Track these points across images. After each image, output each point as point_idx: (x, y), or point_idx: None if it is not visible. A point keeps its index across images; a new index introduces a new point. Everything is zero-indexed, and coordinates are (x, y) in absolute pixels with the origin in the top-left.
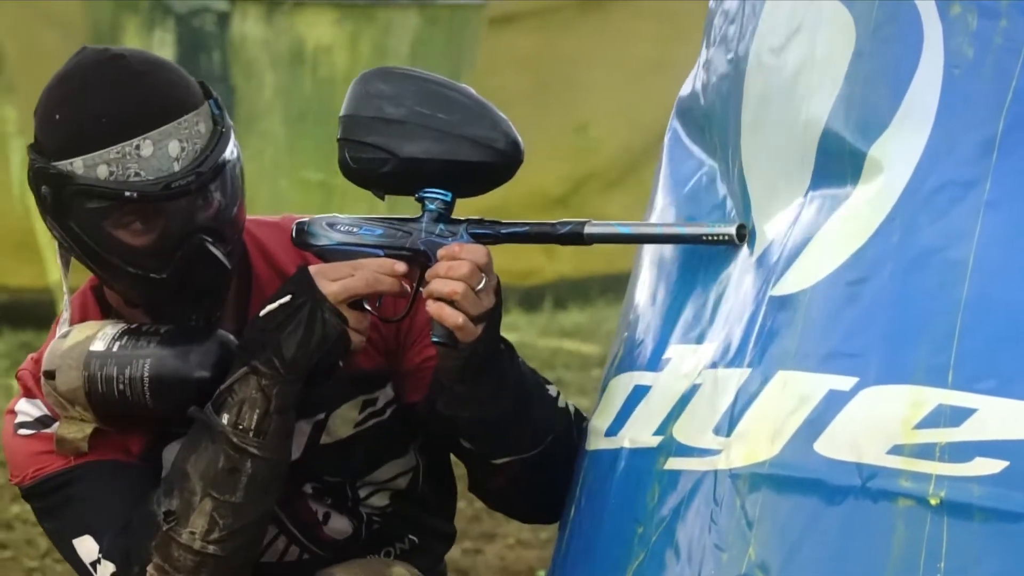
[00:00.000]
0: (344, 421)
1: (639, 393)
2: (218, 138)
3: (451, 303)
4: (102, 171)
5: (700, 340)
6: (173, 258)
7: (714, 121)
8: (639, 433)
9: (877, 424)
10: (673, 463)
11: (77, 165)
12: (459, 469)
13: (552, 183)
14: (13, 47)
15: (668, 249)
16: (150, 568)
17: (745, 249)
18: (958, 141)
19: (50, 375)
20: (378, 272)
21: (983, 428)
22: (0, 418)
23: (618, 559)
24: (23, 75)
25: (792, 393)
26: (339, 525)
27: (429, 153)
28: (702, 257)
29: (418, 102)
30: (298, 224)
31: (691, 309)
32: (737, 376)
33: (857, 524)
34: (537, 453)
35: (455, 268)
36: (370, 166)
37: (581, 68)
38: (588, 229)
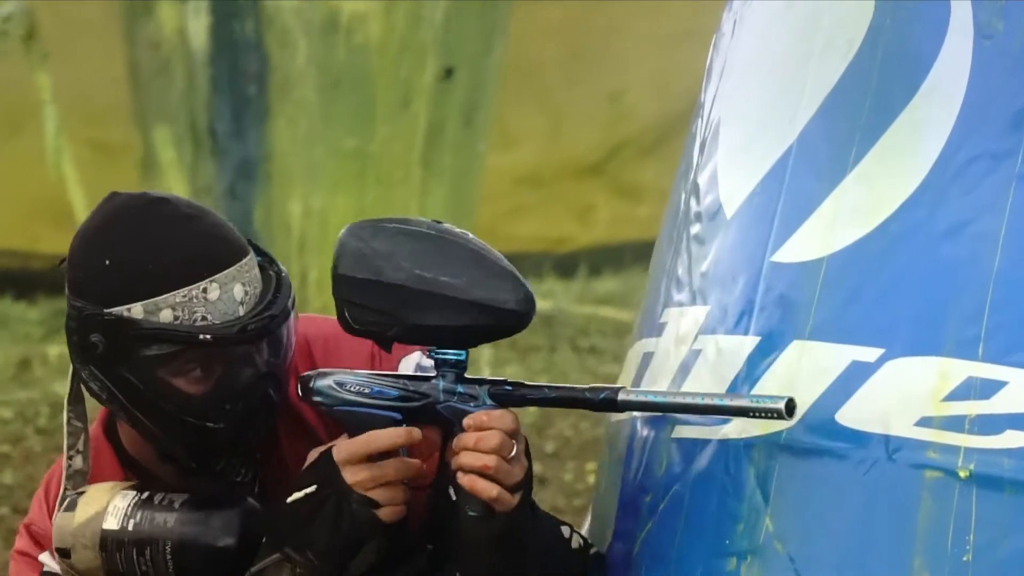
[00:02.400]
0: (365, 558)
1: (646, 360)
2: (277, 281)
3: (483, 476)
4: (166, 315)
5: (689, 302)
6: (234, 407)
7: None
8: None
9: (905, 396)
10: (681, 431)
11: (136, 310)
12: None
13: (586, 151)
14: (47, 15)
15: (667, 214)
16: None
17: (722, 209)
18: (989, 114)
19: (65, 554)
20: (396, 445)
21: (1014, 401)
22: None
23: (630, 528)
24: (57, 43)
25: (810, 363)
26: None
27: (436, 320)
28: (680, 218)
29: (417, 264)
30: (303, 380)
31: (678, 270)
32: (744, 344)
33: (882, 496)
34: None
35: (485, 440)
36: (375, 328)
37: (614, 37)
38: (622, 396)
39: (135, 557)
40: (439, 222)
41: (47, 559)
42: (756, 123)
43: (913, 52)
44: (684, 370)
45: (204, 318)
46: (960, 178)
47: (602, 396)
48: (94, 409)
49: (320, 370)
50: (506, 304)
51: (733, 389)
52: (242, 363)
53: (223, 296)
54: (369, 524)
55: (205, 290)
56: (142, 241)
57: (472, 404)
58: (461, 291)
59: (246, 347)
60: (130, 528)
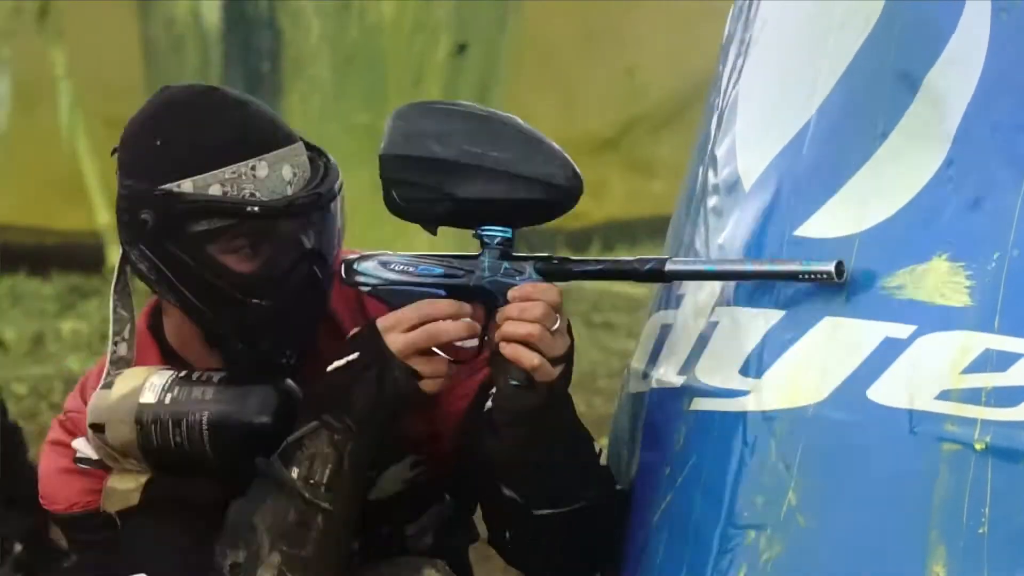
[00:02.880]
0: (394, 479)
1: (664, 332)
2: (326, 168)
3: (526, 345)
4: (215, 190)
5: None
6: (281, 285)
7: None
8: (666, 374)
9: (929, 370)
10: (698, 403)
11: (186, 186)
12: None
13: (602, 126)
14: None
15: (684, 187)
16: None
17: (740, 182)
18: (1008, 86)
19: (99, 428)
20: (444, 314)
21: None
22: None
23: (649, 500)
24: (70, 18)
25: (844, 340)
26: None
27: (486, 194)
28: (701, 190)
29: (467, 140)
30: (346, 262)
31: (694, 241)
32: (763, 316)
33: (903, 469)
34: (579, 508)
35: (529, 310)
36: (423, 206)
37: (628, 13)
38: (670, 267)
39: (171, 430)
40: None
41: (80, 444)
42: (775, 97)
43: (930, 26)
44: (703, 341)
45: (252, 194)
46: (980, 152)
47: (648, 267)
48: (139, 306)
49: (363, 252)
50: (554, 179)
51: (749, 363)
52: (289, 240)
53: (271, 175)
54: (411, 393)
55: (254, 168)
56: (193, 121)
57: (518, 279)
58: (510, 165)
59: (293, 222)
60: (167, 402)
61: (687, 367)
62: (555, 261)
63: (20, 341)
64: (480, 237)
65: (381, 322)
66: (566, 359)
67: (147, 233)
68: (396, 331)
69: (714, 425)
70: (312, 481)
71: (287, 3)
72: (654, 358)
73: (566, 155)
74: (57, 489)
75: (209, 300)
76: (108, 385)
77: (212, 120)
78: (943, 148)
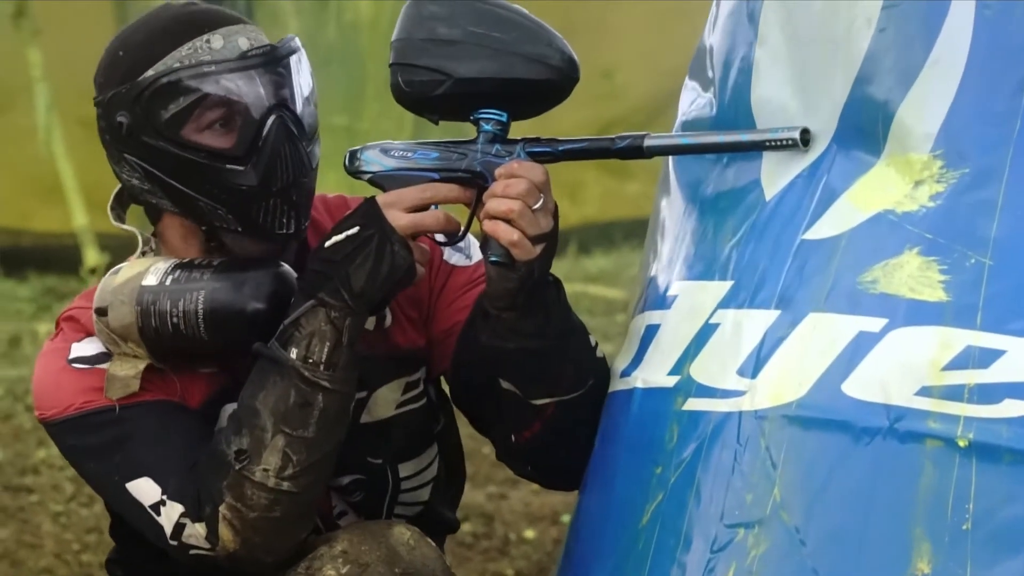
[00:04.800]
0: (385, 402)
1: (651, 332)
2: (288, 40)
3: (508, 221)
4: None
5: (709, 277)
6: (259, 147)
7: (716, 57)
8: (653, 373)
9: (906, 365)
10: (692, 404)
11: (149, 75)
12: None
13: (577, 128)
14: None
15: (678, 188)
16: (222, 508)
17: (761, 191)
18: (988, 83)
19: (102, 312)
20: (442, 197)
21: (1012, 370)
22: (31, 353)
23: (636, 500)
24: (48, 19)
25: (822, 335)
26: (353, 520)
27: (484, 72)
28: (710, 196)
29: (472, 22)
30: (351, 151)
31: (696, 245)
32: (763, 318)
33: (884, 466)
34: (577, 396)
35: (512, 186)
36: (424, 88)
37: (607, 13)
38: (648, 142)
39: (168, 309)
40: None
41: (78, 347)
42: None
43: (921, 26)
44: (699, 342)
45: (210, 65)
46: (960, 150)
47: (626, 143)
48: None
49: (367, 143)
50: (551, 60)
51: (746, 363)
52: (254, 97)
53: (227, 45)
54: (406, 270)
55: (208, 40)
56: (147, 24)
57: (508, 158)
58: (510, 45)
59: (254, 80)
60: (167, 283)
61: (679, 367)
62: (543, 140)
63: None
64: (476, 121)
65: (382, 199)
66: (548, 239)
67: (126, 135)
68: (397, 208)
69: (709, 425)
70: (311, 360)
71: (265, 3)
72: (638, 358)
73: (567, 44)
74: (52, 392)
75: (199, 184)
76: (115, 272)
77: (164, 16)
78: (926, 147)
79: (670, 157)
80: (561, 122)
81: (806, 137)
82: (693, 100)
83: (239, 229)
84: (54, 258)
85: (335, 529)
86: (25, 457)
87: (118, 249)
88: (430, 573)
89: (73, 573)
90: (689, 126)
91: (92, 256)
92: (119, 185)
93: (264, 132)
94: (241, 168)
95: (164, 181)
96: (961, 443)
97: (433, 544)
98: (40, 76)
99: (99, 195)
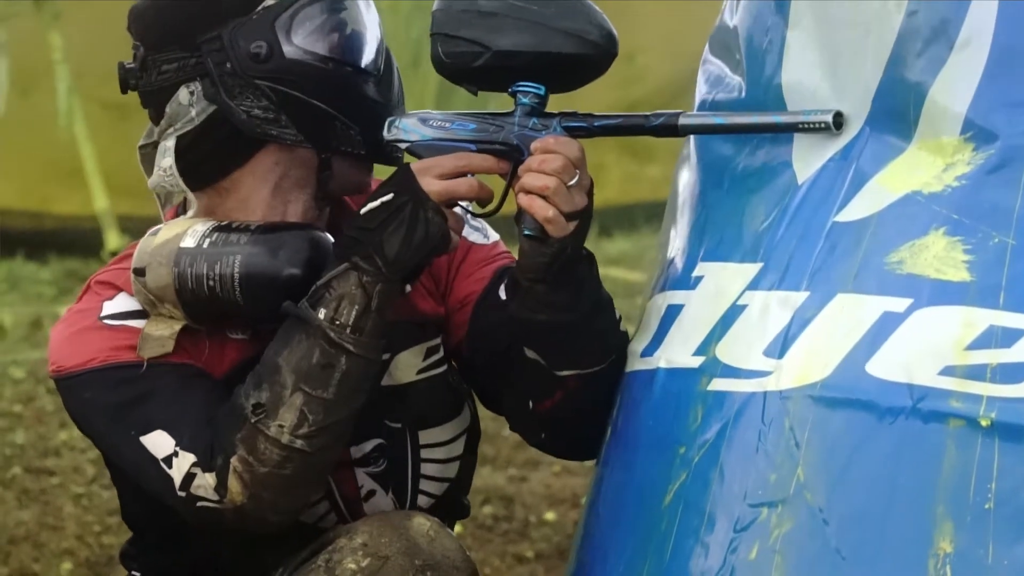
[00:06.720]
0: (407, 366)
1: (672, 312)
2: None
3: (543, 197)
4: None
5: (737, 259)
6: (388, 65)
7: (743, 40)
8: (676, 354)
9: (929, 345)
10: (717, 384)
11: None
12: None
13: (597, 110)
14: None
15: (701, 169)
16: (234, 460)
17: (793, 174)
18: (1013, 67)
19: (140, 272)
20: (477, 167)
21: None
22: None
23: (659, 480)
24: (68, 3)
25: (849, 316)
26: (382, 503)
27: (522, 46)
28: (737, 178)
29: None
30: (389, 120)
31: (723, 227)
32: (792, 299)
33: (907, 446)
34: (599, 371)
35: (548, 162)
36: (463, 60)
37: None
38: (683, 120)
39: (205, 273)
40: None
41: (110, 304)
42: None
43: (949, 8)
44: (725, 323)
45: None
46: (986, 130)
47: (660, 121)
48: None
49: (407, 112)
50: (589, 35)
51: (775, 342)
52: (376, 31)
53: None
54: (440, 237)
55: None
56: None
57: (544, 132)
58: (550, 19)
59: (374, 13)
60: (205, 246)
61: (705, 347)
62: (579, 115)
63: (18, 325)
64: (514, 93)
65: (416, 165)
66: (582, 216)
67: (264, 60)
68: (430, 175)
69: (734, 406)
70: (338, 322)
71: None
72: (659, 338)
73: (606, 19)
74: (75, 346)
75: (341, 102)
76: (154, 232)
77: None
78: (955, 129)
79: (691, 137)
80: (583, 104)
81: (839, 120)
82: (718, 82)
83: (363, 152)
84: (75, 241)
85: (361, 511)
86: (47, 439)
87: (139, 233)
88: (450, 564)
89: (94, 555)
90: (716, 108)
91: (113, 239)
92: (166, 148)
93: (388, 54)
94: (378, 86)
95: (302, 103)
96: (984, 423)
97: (452, 535)
98: (61, 59)
99: (120, 178)
